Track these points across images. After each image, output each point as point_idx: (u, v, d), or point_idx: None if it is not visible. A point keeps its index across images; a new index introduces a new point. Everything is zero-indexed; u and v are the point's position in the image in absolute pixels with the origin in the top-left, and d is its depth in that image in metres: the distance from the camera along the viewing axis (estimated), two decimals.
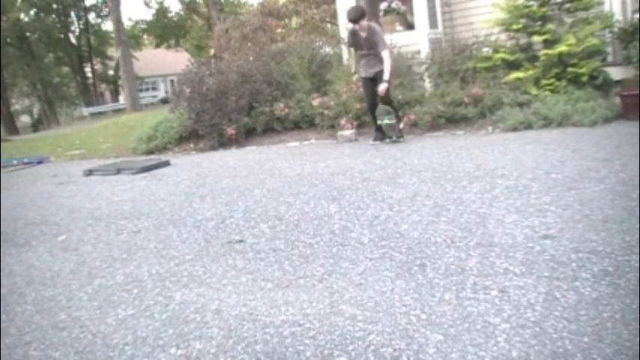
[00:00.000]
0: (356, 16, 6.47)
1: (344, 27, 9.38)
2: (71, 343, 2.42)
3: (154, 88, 43.48)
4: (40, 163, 10.15)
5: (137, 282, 3.06)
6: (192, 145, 8.82)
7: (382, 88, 6.30)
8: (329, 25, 17.77)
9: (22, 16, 34.03)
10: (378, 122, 6.72)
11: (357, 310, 2.37)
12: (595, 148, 4.96)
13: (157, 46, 44.82)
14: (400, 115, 6.89)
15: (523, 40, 7.57)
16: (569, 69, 6.82)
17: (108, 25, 38.48)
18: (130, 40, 34.38)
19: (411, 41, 8.51)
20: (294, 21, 18.37)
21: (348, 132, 7.49)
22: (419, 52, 8.45)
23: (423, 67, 8.34)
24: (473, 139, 6.30)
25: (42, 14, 36.22)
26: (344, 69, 8.77)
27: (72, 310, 2.79)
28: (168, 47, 43.47)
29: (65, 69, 40.75)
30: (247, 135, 8.58)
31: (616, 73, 7.01)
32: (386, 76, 6.20)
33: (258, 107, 8.58)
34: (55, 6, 37.17)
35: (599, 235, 2.89)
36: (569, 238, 2.89)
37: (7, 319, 2.77)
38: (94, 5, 39.98)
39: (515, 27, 7.41)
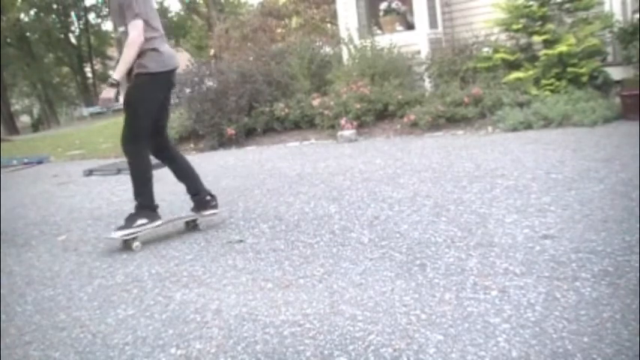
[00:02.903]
0: None
1: (344, 27, 9.41)
2: (71, 343, 2.42)
3: None
4: (40, 163, 10.19)
5: (137, 282, 3.06)
6: (192, 145, 8.83)
7: (103, 95, 3.55)
8: (329, 25, 17.77)
9: (22, 16, 34.01)
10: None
11: (357, 310, 2.37)
12: (595, 148, 4.96)
13: None
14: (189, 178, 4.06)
15: (523, 40, 7.57)
16: (569, 69, 6.82)
17: (108, 25, 38.49)
18: None
19: (411, 41, 8.52)
20: (294, 21, 18.36)
21: (348, 132, 7.49)
22: (419, 52, 8.46)
23: (423, 67, 8.35)
24: (473, 139, 6.30)
25: (42, 14, 36.18)
26: (344, 69, 8.77)
27: (72, 310, 2.79)
28: None
29: (65, 69, 40.71)
30: (247, 135, 8.58)
31: (616, 73, 7.01)
32: (117, 73, 3.46)
33: (258, 107, 8.59)
34: (55, 6, 37.14)
35: (599, 235, 2.89)
36: (569, 238, 2.89)
37: (7, 319, 2.77)
38: (94, 5, 39.93)
39: (515, 27, 7.41)
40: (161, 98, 3.72)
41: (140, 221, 3.66)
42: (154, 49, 3.54)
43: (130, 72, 3.55)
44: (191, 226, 4.00)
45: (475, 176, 4.46)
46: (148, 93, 3.59)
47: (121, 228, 3.66)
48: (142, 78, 3.52)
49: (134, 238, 3.64)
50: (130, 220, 3.67)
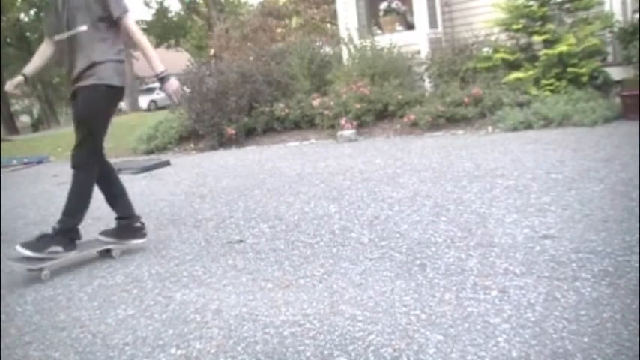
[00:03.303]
0: None
1: (344, 27, 9.42)
2: (71, 343, 2.42)
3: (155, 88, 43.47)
4: (40, 163, 10.20)
5: (137, 282, 3.06)
6: (192, 145, 8.83)
7: (173, 88, 3.35)
8: (329, 25, 17.79)
9: (22, 16, 34.02)
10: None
11: (357, 310, 2.37)
12: (595, 148, 4.96)
13: (157, 46, 44.75)
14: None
15: (523, 40, 7.58)
16: (569, 69, 6.82)
17: None
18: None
19: (411, 41, 8.52)
20: (294, 21, 18.39)
21: (348, 132, 7.49)
22: (419, 52, 8.46)
23: (423, 67, 8.35)
24: (473, 139, 6.30)
25: (42, 14, 36.20)
26: (344, 69, 8.78)
27: (72, 310, 2.79)
28: (169, 47, 43.44)
29: (65, 69, 40.69)
30: (247, 135, 8.58)
31: (616, 73, 7.02)
32: (159, 65, 3.28)
33: (258, 107, 8.59)
34: None
35: (599, 235, 2.89)
36: (569, 238, 2.89)
37: (7, 319, 2.77)
38: None
39: (515, 27, 7.42)
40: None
41: (54, 248, 3.17)
42: (121, 61, 3.32)
43: (76, 80, 3.26)
44: (104, 255, 3.53)
45: (475, 176, 4.46)
46: (108, 107, 3.34)
47: (29, 246, 3.16)
48: (102, 90, 3.22)
49: (42, 268, 3.17)
50: (42, 243, 3.17)
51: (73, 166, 3.31)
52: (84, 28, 3.21)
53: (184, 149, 8.85)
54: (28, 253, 3.15)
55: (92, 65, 3.21)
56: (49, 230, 3.35)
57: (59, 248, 3.19)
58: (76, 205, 3.30)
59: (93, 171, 3.34)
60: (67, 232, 3.27)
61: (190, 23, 42.13)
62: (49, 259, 3.17)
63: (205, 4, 34.95)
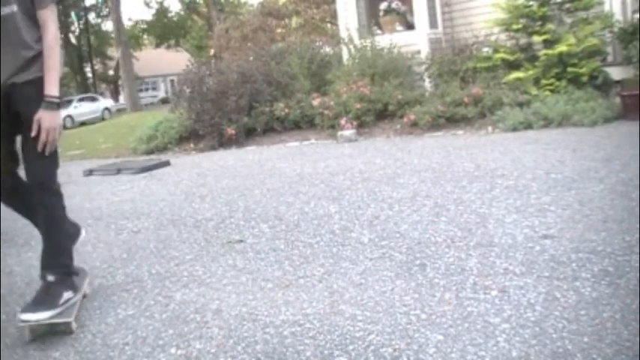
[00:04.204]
0: None
1: (344, 27, 9.42)
2: (71, 343, 2.42)
3: (154, 88, 43.51)
4: None
5: (137, 282, 3.06)
6: (192, 145, 8.83)
7: (50, 124, 2.43)
8: (329, 25, 17.80)
9: None
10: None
11: (357, 310, 2.37)
12: (595, 148, 4.96)
13: (157, 46, 44.85)
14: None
15: (523, 40, 7.58)
16: (569, 69, 6.83)
17: (108, 25, 38.53)
18: (130, 40, 34.37)
19: (411, 41, 8.53)
20: (294, 21, 18.42)
21: (348, 132, 7.49)
22: (419, 52, 8.47)
23: (423, 67, 8.36)
24: (473, 139, 6.30)
25: None
26: (344, 69, 8.78)
27: None
28: (169, 47, 43.49)
29: (65, 69, 40.71)
30: (247, 135, 8.59)
31: (616, 73, 7.02)
32: (55, 88, 2.45)
33: (258, 107, 8.59)
34: None
35: (599, 235, 2.89)
36: (569, 238, 2.89)
37: (7, 319, 2.77)
38: (94, 5, 40.02)
39: (515, 27, 7.43)
40: None
41: (66, 295, 2.53)
42: (60, 46, 2.61)
43: (9, 76, 2.47)
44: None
45: (475, 176, 4.45)
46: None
47: (39, 307, 2.45)
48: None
49: (68, 322, 2.47)
50: (54, 296, 2.49)
51: (40, 186, 2.55)
52: (14, 8, 2.48)
53: (184, 149, 8.85)
54: (45, 315, 2.43)
55: (38, 55, 2.50)
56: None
57: (70, 294, 2.56)
58: (61, 241, 2.67)
59: (58, 186, 2.64)
60: (70, 273, 2.67)
61: (190, 23, 42.19)
62: (66, 310, 2.51)
63: (205, 4, 34.98)
